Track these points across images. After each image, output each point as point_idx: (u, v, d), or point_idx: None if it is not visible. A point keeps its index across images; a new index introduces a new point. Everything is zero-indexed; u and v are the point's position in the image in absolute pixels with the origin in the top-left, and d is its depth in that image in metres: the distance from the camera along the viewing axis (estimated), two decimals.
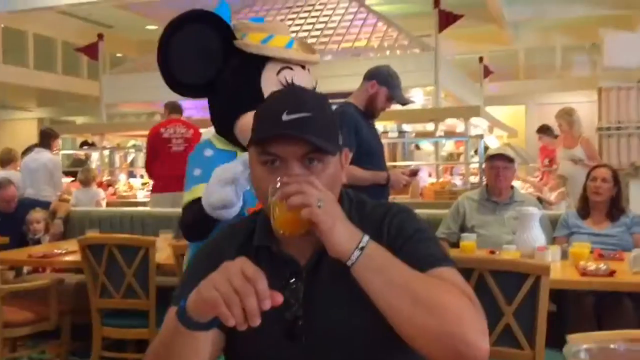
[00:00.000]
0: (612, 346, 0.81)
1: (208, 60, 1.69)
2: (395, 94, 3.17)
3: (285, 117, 1.09)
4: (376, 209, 1.22)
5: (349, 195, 1.24)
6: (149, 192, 8.11)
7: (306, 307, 1.12)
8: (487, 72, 11.40)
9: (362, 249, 1.03)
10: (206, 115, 1.85)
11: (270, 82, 1.66)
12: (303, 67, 1.73)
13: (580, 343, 0.81)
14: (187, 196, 1.67)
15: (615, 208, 3.40)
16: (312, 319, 1.12)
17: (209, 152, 1.74)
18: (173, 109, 5.42)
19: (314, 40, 9.46)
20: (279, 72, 1.68)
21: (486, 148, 6.50)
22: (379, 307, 1.04)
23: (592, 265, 2.66)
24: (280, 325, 1.11)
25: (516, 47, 13.60)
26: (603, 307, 2.91)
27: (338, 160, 1.16)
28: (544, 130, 6.93)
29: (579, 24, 11.06)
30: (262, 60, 1.68)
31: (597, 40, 8.96)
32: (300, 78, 1.68)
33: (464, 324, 0.99)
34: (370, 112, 3.19)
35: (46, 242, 4.16)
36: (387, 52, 8.91)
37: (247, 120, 1.46)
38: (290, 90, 1.23)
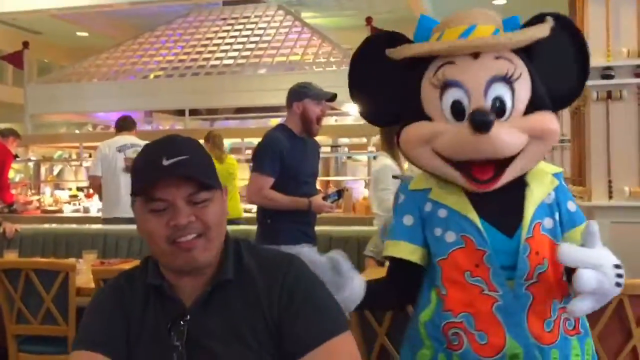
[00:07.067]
0: None
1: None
2: (317, 94, 3.13)
3: (165, 162, 1.16)
4: (275, 258, 1.26)
5: (235, 237, 1.29)
6: (76, 206, 7.90)
7: (190, 348, 1.17)
8: None
9: None
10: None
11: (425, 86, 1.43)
12: (476, 55, 1.36)
13: None
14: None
15: None
16: (196, 359, 1.17)
17: (400, 198, 1.51)
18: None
19: (248, 53, 9.44)
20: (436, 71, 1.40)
21: None
22: None
23: None
24: None
25: None
26: None
27: (221, 197, 1.23)
28: None
29: None
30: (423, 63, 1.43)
31: None
32: (469, 71, 1.36)
33: None
34: (309, 128, 3.15)
35: None
36: (322, 68, 8.95)
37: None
38: (166, 138, 1.26)
